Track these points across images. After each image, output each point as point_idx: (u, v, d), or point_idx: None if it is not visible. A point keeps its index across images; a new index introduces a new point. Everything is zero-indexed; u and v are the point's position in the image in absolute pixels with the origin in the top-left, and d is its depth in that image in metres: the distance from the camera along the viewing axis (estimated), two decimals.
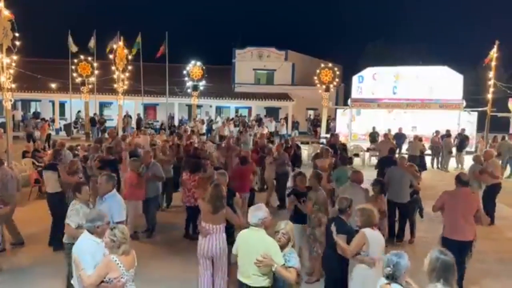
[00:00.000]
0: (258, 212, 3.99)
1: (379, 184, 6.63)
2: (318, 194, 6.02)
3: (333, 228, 4.58)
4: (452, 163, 16.72)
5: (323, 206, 6.00)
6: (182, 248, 7.17)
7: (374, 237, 4.32)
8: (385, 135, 16.01)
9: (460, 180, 5.90)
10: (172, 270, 6.32)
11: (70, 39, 24.06)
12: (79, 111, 27.86)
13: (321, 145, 16.41)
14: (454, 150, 16.71)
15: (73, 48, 24.26)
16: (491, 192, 9.18)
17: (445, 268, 3.00)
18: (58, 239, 6.88)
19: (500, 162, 15.41)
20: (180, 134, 14.86)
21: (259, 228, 3.94)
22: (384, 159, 10.51)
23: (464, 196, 5.80)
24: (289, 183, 10.20)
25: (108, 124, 25.99)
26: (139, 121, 26.60)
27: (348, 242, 4.43)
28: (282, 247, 3.88)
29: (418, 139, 15.25)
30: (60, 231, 6.98)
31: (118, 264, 3.54)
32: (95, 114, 24.99)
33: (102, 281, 3.54)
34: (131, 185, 7.50)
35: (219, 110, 33.12)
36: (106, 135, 15.54)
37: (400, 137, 17.75)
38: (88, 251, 3.77)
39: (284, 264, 3.78)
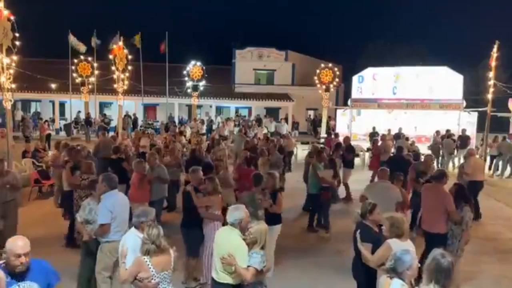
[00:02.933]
0: (236, 212, 4.06)
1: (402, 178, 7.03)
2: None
3: (357, 235, 4.41)
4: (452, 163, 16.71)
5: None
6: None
7: (401, 249, 4.08)
8: (383, 136, 15.65)
9: (431, 175, 6.44)
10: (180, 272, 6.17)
11: (73, 39, 23.99)
12: (79, 112, 27.81)
13: (320, 145, 16.39)
14: (454, 150, 16.66)
15: (82, 48, 24.14)
16: (469, 189, 9.27)
17: (438, 270, 2.98)
18: (70, 236, 7.10)
19: (501, 162, 15.50)
20: (173, 135, 14.82)
21: (235, 228, 4.01)
22: (393, 158, 10.65)
23: (432, 190, 6.14)
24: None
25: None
26: (134, 121, 26.52)
27: (374, 251, 4.23)
28: (248, 246, 3.93)
29: (405, 138, 15.79)
30: (71, 228, 7.15)
31: (148, 265, 3.59)
32: (88, 113, 24.76)
33: (136, 279, 3.66)
34: (135, 187, 7.44)
35: (219, 110, 33.10)
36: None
37: (400, 137, 17.71)
38: (130, 245, 3.88)
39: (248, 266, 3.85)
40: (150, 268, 3.60)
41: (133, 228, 4.08)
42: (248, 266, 3.84)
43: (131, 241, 3.93)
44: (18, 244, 3.11)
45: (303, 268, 6.50)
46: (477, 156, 10.73)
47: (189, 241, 5.70)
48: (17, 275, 3.13)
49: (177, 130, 17.99)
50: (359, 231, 4.42)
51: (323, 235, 8.28)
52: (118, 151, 9.29)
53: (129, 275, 3.67)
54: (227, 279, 3.98)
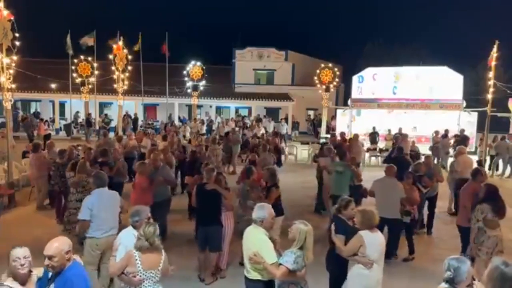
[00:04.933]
0: (259, 211, 4.11)
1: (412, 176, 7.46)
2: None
3: (332, 227, 4.67)
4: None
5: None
6: (193, 252, 6.59)
7: (371, 240, 4.33)
8: (355, 136, 15.12)
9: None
10: (185, 274, 6.01)
11: (68, 41, 24.02)
12: (78, 112, 27.78)
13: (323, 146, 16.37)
14: (451, 150, 16.61)
15: (70, 50, 24.22)
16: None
17: (502, 279, 2.86)
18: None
19: (501, 161, 15.48)
20: (165, 135, 14.64)
21: (258, 225, 4.06)
22: (393, 158, 10.64)
23: (465, 187, 6.66)
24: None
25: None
26: (135, 121, 26.48)
27: (347, 242, 4.49)
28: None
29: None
30: None
31: (136, 259, 3.65)
32: (89, 114, 24.77)
33: (123, 272, 3.74)
34: (141, 190, 7.13)
35: (219, 110, 33.11)
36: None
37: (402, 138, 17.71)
38: (123, 242, 4.00)
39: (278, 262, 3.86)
40: (137, 263, 3.64)
41: (130, 227, 4.20)
42: (280, 264, 3.83)
43: (125, 238, 4.05)
44: (46, 246, 3.21)
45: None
46: (474, 156, 10.80)
47: (212, 237, 5.93)
48: (51, 277, 3.26)
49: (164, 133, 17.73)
50: (333, 224, 4.72)
51: None
52: (105, 154, 8.77)
53: (118, 268, 3.76)
54: (257, 276, 4.03)
